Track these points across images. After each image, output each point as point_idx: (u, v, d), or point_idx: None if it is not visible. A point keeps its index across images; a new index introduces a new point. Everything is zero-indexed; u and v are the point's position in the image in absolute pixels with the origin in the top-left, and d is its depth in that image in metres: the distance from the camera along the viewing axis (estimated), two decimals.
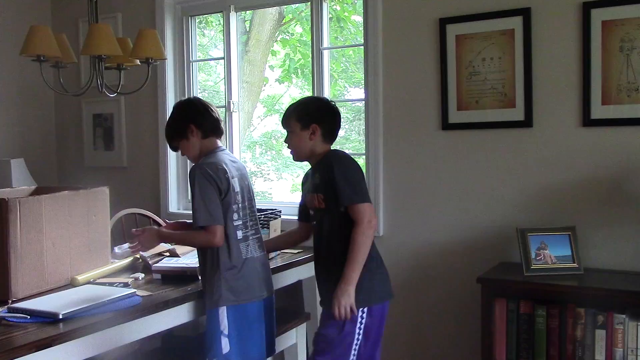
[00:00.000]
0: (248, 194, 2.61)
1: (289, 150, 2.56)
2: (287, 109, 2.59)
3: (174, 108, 2.69)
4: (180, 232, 2.57)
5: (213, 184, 2.42)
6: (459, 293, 3.19)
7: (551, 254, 2.79)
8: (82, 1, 3.08)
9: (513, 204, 3.08)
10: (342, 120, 2.60)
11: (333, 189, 2.37)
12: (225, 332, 2.41)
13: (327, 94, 3.70)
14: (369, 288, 2.38)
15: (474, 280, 2.81)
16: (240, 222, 2.51)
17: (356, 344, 2.38)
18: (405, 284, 3.35)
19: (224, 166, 2.48)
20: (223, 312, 2.40)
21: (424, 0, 3.26)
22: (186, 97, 4.15)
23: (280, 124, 2.59)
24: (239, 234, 2.49)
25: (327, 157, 2.47)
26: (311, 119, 2.48)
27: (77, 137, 4.52)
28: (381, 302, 2.44)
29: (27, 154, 4.33)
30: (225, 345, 2.41)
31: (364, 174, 2.54)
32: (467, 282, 3.06)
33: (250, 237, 2.55)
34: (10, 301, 2.30)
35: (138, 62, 3.14)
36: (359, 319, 2.36)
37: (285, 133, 2.56)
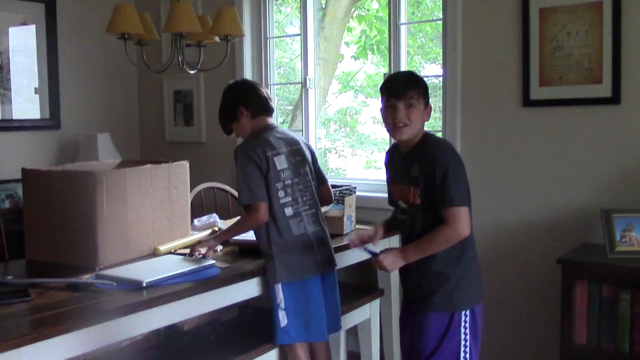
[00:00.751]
0: (303, 168, 2.60)
1: (400, 124, 2.19)
2: (405, 77, 2.29)
3: (222, 93, 2.74)
4: (230, 225, 2.62)
5: (252, 162, 2.46)
6: (538, 274, 3.12)
7: (637, 237, 2.68)
8: None
9: (598, 185, 2.97)
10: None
11: (435, 186, 2.15)
12: (282, 305, 2.46)
13: (404, 69, 3.65)
14: (469, 289, 2.25)
15: (555, 262, 2.74)
16: (289, 199, 2.52)
17: (465, 349, 2.22)
18: (483, 264, 3.26)
19: (265, 145, 2.50)
20: (279, 287, 2.46)
21: None
22: (263, 73, 4.19)
23: (394, 92, 2.21)
24: (288, 211, 2.50)
25: (429, 145, 2.21)
26: (429, 99, 2.27)
27: (159, 113, 4.66)
28: (479, 302, 2.29)
29: (112, 129, 4.50)
30: (283, 318, 2.46)
31: None
32: (547, 263, 2.97)
33: (303, 213, 2.55)
34: (98, 268, 2.41)
35: (217, 39, 3.19)
36: (462, 323, 2.21)
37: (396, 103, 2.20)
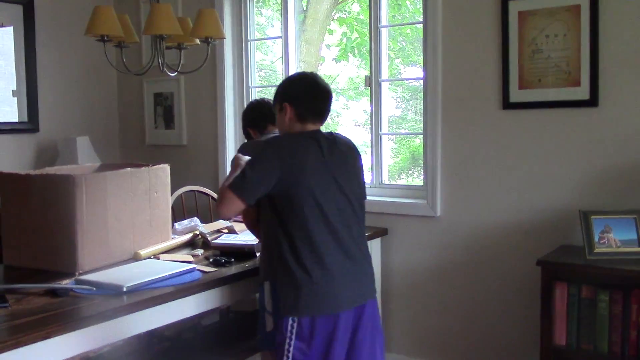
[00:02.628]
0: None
1: None
2: None
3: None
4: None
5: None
6: (518, 276, 3.14)
7: (615, 238, 2.71)
8: None
9: (576, 186, 3.00)
10: (328, 97, 2.36)
11: None
12: (269, 309, 2.30)
13: (385, 72, 3.67)
14: (292, 299, 2.17)
15: (534, 263, 2.76)
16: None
17: (289, 350, 2.17)
18: (463, 266, 3.31)
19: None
20: (267, 287, 2.31)
21: None
22: (244, 75, 4.18)
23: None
24: None
25: None
26: (281, 98, 2.35)
27: (139, 116, 4.63)
28: (308, 316, 2.16)
29: (91, 132, 4.46)
30: (270, 323, 2.32)
31: (277, 163, 2.19)
32: (526, 264, 3.00)
33: None
34: (77, 273, 2.39)
35: (198, 41, 3.18)
36: (288, 327, 2.17)
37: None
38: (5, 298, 2.08)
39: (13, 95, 4.15)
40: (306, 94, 2.32)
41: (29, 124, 4.19)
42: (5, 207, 2.60)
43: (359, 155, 2.42)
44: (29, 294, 2.15)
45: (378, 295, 3.34)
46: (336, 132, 2.44)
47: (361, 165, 2.42)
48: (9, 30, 4.13)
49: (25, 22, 4.15)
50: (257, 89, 4.26)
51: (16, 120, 4.15)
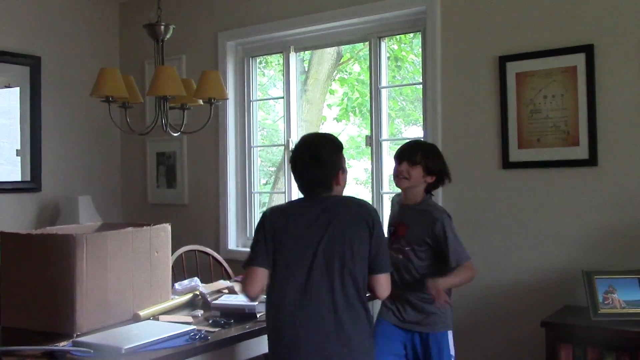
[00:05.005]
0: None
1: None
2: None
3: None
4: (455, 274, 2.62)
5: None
6: (522, 337, 3.09)
7: (620, 299, 2.68)
8: (149, 44, 3.18)
9: (578, 246, 2.99)
10: (308, 166, 2.28)
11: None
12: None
13: (385, 132, 3.71)
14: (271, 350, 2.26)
15: (538, 324, 2.72)
16: None
17: None
18: (466, 327, 3.26)
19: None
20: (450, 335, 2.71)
21: (483, 38, 3.25)
22: (246, 135, 4.22)
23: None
24: None
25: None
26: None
27: (141, 175, 4.66)
28: None
29: (93, 191, 4.47)
30: None
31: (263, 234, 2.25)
32: (531, 325, 2.95)
33: None
34: (75, 335, 2.36)
35: (201, 102, 3.23)
36: None
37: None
38: None
39: (17, 155, 4.19)
40: (291, 166, 2.32)
41: (32, 183, 4.22)
42: (5, 266, 2.59)
43: (367, 222, 2.20)
44: (26, 357, 2.12)
45: None
46: (353, 197, 2.40)
47: (368, 233, 2.20)
48: (16, 90, 4.20)
49: (31, 83, 4.23)
50: (258, 148, 4.30)
51: (19, 179, 4.18)
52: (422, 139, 3.38)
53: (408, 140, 2.93)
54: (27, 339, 2.30)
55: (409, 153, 2.69)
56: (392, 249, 2.65)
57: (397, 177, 2.70)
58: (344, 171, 2.31)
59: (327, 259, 2.15)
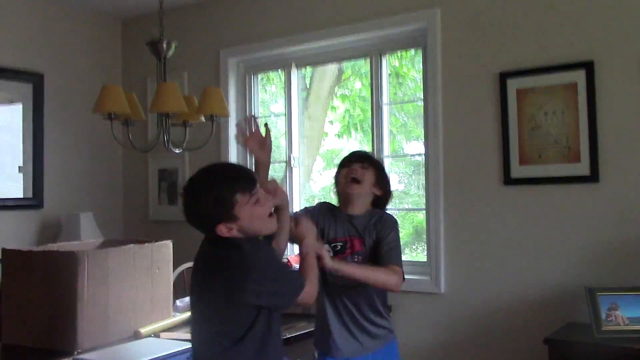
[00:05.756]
0: None
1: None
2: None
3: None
4: (368, 267, 2.35)
5: None
6: (525, 354, 3.07)
7: (623, 315, 2.67)
8: (151, 61, 3.21)
9: (580, 262, 2.98)
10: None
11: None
12: None
13: (387, 148, 3.71)
14: None
15: (541, 341, 2.71)
16: None
17: None
18: (468, 345, 3.25)
19: None
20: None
21: (483, 55, 3.27)
22: (247, 153, 4.22)
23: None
24: None
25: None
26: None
27: (143, 192, 4.66)
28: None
29: (95, 208, 4.47)
30: None
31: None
32: (534, 342, 2.93)
33: None
34: (75, 352, 2.35)
35: (203, 118, 3.23)
36: None
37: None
38: None
39: (19, 171, 4.19)
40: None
41: (34, 200, 4.22)
42: (7, 283, 2.59)
43: (215, 270, 1.90)
44: None
45: None
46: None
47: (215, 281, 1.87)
48: (18, 107, 4.22)
49: (34, 100, 4.25)
50: None
51: (21, 196, 4.18)
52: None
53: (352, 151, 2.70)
54: (27, 357, 2.29)
55: (360, 157, 2.51)
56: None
57: (347, 179, 2.42)
58: None
59: None
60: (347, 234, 2.41)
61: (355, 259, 2.36)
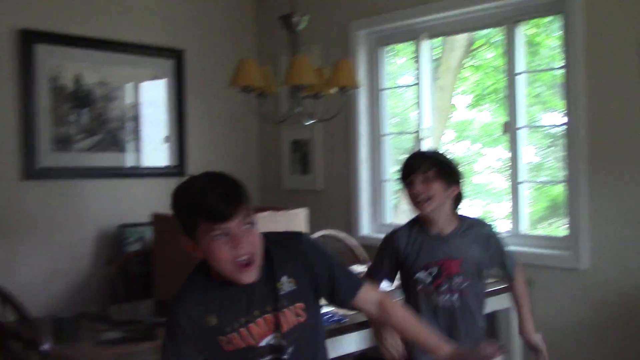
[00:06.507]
0: None
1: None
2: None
3: None
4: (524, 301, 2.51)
5: None
6: None
7: None
8: (283, 35, 3.29)
9: None
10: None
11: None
12: None
13: (522, 119, 3.59)
14: None
15: None
16: None
17: None
18: (614, 324, 3.09)
19: None
20: None
21: (630, 18, 3.05)
22: (377, 123, 4.25)
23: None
24: None
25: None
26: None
27: (277, 162, 4.82)
28: None
29: None
30: None
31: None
32: None
33: None
34: None
35: (333, 90, 3.28)
36: None
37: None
38: (155, 331, 2.22)
39: (164, 142, 4.48)
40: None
41: (177, 168, 4.50)
42: (158, 245, 2.80)
43: None
44: None
45: (517, 351, 3.21)
46: None
47: None
48: (163, 82, 4.50)
49: (176, 75, 4.51)
50: (389, 137, 4.31)
51: (167, 164, 4.48)
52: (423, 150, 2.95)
53: (404, 158, 2.41)
54: None
55: (416, 165, 2.26)
56: (440, 292, 2.28)
57: (416, 200, 2.25)
58: None
59: None
60: (439, 256, 2.28)
61: (454, 281, 2.26)
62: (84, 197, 4.07)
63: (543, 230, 4.01)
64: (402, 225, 2.41)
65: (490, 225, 2.39)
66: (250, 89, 3.13)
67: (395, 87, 4.49)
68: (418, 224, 2.34)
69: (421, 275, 2.26)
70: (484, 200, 4.74)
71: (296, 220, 2.89)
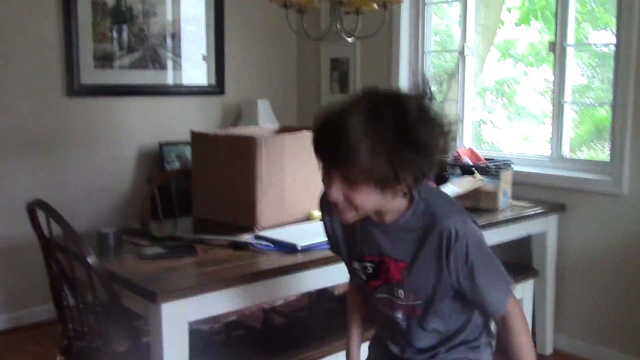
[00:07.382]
0: None
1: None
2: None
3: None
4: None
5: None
6: None
7: None
8: None
9: None
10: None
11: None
12: None
13: (571, 37, 3.43)
14: None
15: None
16: None
17: None
18: None
19: None
20: None
21: None
22: (420, 40, 4.12)
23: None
24: None
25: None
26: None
27: (315, 80, 4.77)
28: None
29: (271, 95, 4.67)
30: None
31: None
32: None
33: None
34: (255, 229, 2.55)
35: (375, 6, 3.18)
36: None
37: None
38: (195, 247, 2.29)
39: (203, 60, 4.46)
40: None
41: (216, 87, 4.49)
42: (196, 163, 2.83)
43: None
44: (215, 245, 2.34)
45: (552, 273, 3.22)
46: None
47: None
48: None
49: None
50: (432, 54, 4.19)
51: (205, 83, 4.47)
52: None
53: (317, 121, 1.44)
54: (215, 230, 2.54)
55: (333, 159, 1.42)
56: (379, 301, 1.55)
57: (337, 209, 1.47)
58: None
59: None
60: (377, 250, 1.51)
61: (396, 293, 1.49)
62: (125, 115, 4.12)
63: (584, 154, 3.91)
64: None
65: (455, 216, 1.44)
66: (290, 5, 3.05)
67: (438, 2, 4.32)
68: None
69: (356, 265, 1.59)
70: (526, 122, 4.63)
71: None
